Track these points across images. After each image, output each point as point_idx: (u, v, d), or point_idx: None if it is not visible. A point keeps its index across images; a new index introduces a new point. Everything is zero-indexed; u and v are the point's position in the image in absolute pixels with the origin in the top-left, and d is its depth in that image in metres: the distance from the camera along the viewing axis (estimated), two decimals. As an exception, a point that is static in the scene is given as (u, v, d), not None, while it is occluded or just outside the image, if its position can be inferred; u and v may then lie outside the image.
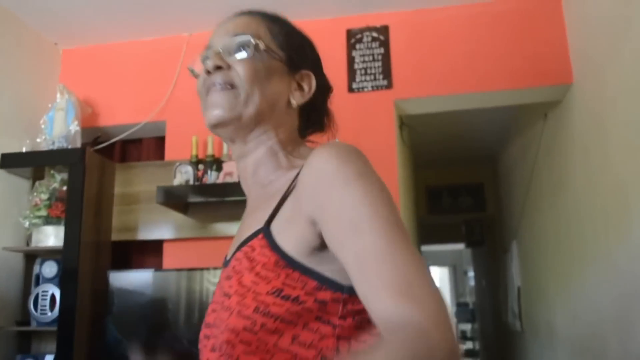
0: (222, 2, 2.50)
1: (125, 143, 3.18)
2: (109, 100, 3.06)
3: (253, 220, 0.85)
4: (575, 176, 2.81)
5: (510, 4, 2.78)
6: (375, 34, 2.84)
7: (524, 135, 3.98)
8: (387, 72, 2.79)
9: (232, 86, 0.85)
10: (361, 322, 0.74)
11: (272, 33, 0.91)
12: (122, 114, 3.03)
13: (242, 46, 0.87)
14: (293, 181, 0.81)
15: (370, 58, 2.82)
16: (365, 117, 2.75)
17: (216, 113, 0.85)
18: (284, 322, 0.72)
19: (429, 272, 0.65)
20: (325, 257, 0.74)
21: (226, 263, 0.89)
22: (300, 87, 0.92)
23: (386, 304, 0.63)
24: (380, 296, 0.64)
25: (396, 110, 2.82)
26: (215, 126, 0.86)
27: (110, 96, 3.07)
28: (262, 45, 0.87)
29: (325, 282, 0.73)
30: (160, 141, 3.07)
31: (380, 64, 2.81)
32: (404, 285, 0.63)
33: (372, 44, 2.84)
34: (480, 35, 2.78)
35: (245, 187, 0.94)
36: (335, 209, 0.71)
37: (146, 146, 3.16)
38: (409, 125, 3.31)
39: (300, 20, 1.02)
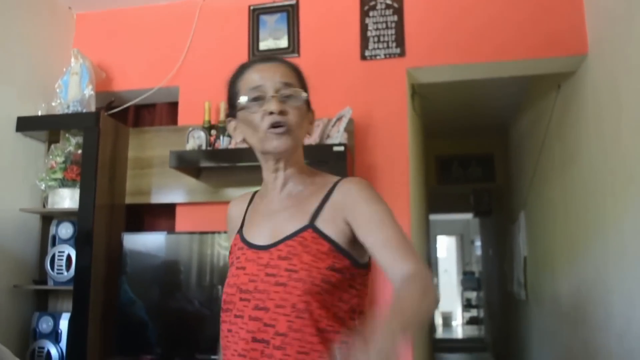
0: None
1: (139, 108, 3.21)
2: (122, 65, 3.08)
3: (287, 217, 1.18)
4: (587, 148, 2.81)
5: (526, -28, 2.74)
6: (389, 1, 2.82)
7: (536, 106, 3.96)
8: (400, 40, 2.78)
9: (289, 127, 1.16)
10: (365, 285, 1.20)
11: (300, 82, 1.22)
12: (136, 79, 3.05)
13: (294, 96, 1.17)
14: (327, 195, 1.17)
15: (384, 25, 2.81)
16: (378, 85, 2.75)
17: (286, 144, 1.16)
18: (334, 286, 1.11)
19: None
20: (356, 246, 1.14)
21: (262, 247, 1.17)
22: (310, 122, 1.26)
23: (407, 265, 1.05)
24: (402, 261, 1.06)
25: (408, 78, 2.82)
26: (284, 152, 1.17)
27: (123, 61, 3.08)
28: (305, 96, 1.20)
29: (355, 263, 1.15)
30: (173, 106, 3.10)
31: (393, 31, 2.80)
32: (411, 255, 1.07)
33: (386, 12, 2.82)
34: (494, 4, 2.75)
35: (272, 193, 1.23)
36: (367, 213, 1.12)
37: (159, 111, 3.19)
38: (420, 94, 3.31)
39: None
